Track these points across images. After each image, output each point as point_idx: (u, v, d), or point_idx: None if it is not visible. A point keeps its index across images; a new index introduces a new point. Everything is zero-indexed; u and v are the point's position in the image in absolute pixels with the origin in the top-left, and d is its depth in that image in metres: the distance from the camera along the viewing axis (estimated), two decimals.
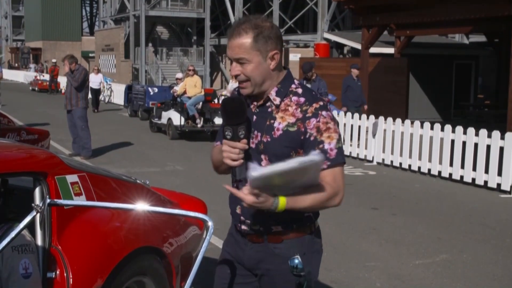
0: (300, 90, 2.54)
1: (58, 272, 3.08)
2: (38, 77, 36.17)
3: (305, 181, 2.31)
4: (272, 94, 2.53)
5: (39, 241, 3.10)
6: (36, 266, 2.97)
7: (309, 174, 2.28)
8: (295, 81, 2.59)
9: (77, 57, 12.67)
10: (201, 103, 15.47)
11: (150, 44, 42.51)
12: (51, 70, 33.63)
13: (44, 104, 25.65)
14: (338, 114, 13.25)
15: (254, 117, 2.56)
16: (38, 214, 2.53)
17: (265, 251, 2.56)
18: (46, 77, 35.32)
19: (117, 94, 27.54)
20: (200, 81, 15.87)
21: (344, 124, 13.10)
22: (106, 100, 27.65)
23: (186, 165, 11.53)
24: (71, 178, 3.41)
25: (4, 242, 2.30)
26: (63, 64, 11.73)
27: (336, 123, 2.51)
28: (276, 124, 2.49)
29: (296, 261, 2.41)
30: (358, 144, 12.71)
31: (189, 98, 15.23)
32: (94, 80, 23.14)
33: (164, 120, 15.99)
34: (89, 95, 14.18)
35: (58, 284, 3.06)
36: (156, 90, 20.38)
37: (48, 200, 2.55)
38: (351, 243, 6.71)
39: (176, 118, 15.22)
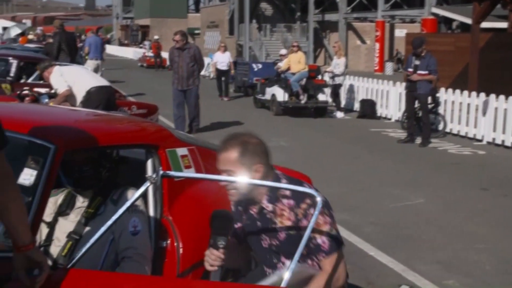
0: (288, 192, 2.76)
1: (169, 242, 3.19)
2: (146, 54, 37.24)
3: (300, 284, 2.56)
4: (264, 202, 2.80)
5: (151, 211, 3.20)
6: (144, 225, 3.08)
7: (297, 282, 2.47)
8: (282, 180, 2.81)
9: None
10: (305, 79, 15.40)
11: (254, 21, 42.74)
12: (155, 46, 34.46)
13: (151, 79, 26.41)
14: None
15: (258, 222, 2.85)
16: (151, 185, 2.63)
17: None
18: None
19: None
20: (304, 57, 15.81)
21: (453, 102, 12.69)
22: (211, 76, 28.05)
23: (290, 141, 11.56)
24: (181, 151, 3.50)
25: (121, 210, 2.43)
26: (173, 40, 11.81)
27: (327, 213, 2.74)
28: (278, 229, 2.79)
29: None
30: (467, 123, 12.28)
31: (293, 74, 15.20)
32: (222, 60, 19.35)
33: (268, 96, 16.08)
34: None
35: (169, 253, 3.16)
36: (260, 66, 20.49)
37: (161, 172, 2.64)
38: (458, 224, 6.51)
39: (280, 94, 15.28)
